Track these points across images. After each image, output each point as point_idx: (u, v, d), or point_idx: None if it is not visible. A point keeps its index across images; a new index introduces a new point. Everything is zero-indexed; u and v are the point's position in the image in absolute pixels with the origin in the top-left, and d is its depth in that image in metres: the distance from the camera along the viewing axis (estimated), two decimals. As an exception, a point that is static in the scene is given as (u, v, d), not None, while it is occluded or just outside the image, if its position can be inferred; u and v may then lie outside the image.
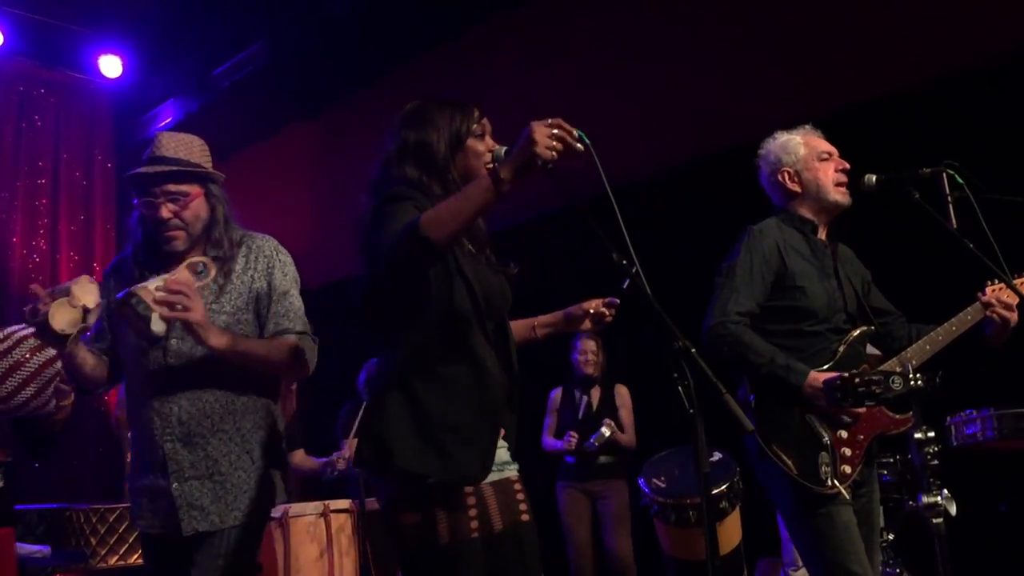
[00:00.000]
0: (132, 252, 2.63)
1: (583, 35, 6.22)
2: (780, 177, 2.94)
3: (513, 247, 2.47)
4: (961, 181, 2.91)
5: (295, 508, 4.31)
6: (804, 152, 2.92)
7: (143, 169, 2.51)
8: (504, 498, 2.24)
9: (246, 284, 2.56)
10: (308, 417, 5.42)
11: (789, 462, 2.67)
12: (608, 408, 5.37)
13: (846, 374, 2.61)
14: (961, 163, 2.95)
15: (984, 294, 2.84)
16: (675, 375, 1.88)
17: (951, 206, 2.94)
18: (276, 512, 4.19)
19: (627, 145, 5.55)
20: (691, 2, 5.75)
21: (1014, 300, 2.80)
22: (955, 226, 2.89)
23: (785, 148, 2.95)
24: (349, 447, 4.90)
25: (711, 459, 4.35)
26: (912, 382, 2.52)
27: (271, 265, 2.60)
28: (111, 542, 5.60)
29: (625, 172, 5.17)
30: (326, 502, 4.43)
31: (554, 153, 1.91)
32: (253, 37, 6.70)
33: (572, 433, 5.25)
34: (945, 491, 2.72)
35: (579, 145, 1.96)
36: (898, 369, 2.73)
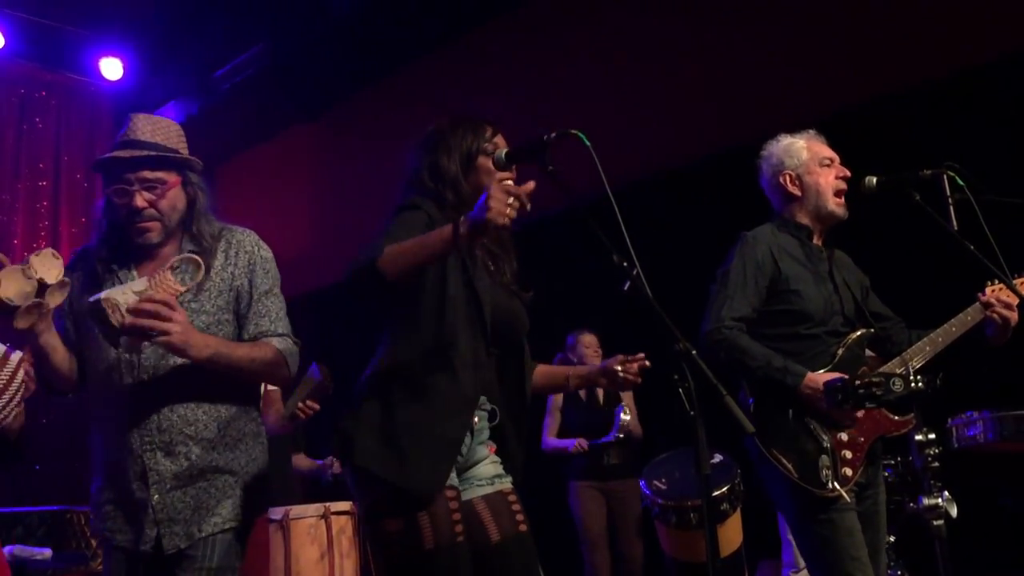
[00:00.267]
0: (97, 244, 2.41)
1: (583, 37, 6.23)
2: (781, 180, 2.94)
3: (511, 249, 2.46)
4: (962, 183, 2.91)
5: (296, 510, 4.31)
6: (807, 156, 2.92)
7: (116, 153, 2.30)
8: (498, 510, 2.26)
9: (226, 281, 2.38)
10: (309, 420, 5.40)
11: (789, 465, 2.67)
12: (615, 402, 5.36)
13: (846, 376, 2.61)
14: (961, 165, 2.95)
15: (984, 294, 2.84)
16: (676, 377, 1.88)
17: (952, 208, 2.94)
18: (277, 514, 4.20)
19: (627, 147, 5.55)
20: (690, 5, 5.76)
21: (1014, 300, 2.80)
22: (956, 228, 2.89)
23: (788, 151, 2.95)
24: None
25: (712, 461, 4.34)
26: (913, 384, 2.52)
27: (252, 261, 2.41)
28: (112, 544, 5.58)
29: (625, 174, 5.17)
30: (327, 504, 4.42)
31: (507, 220, 1.93)
32: (254, 39, 6.70)
33: (580, 441, 5.25)
34: (946, 493, 2.72)
35: (528, 206, 1.97)
36: (899, 370, 2.73)
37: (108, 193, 2.34)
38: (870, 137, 4.67)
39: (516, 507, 2.28)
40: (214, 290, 2.35)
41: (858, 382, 2.56)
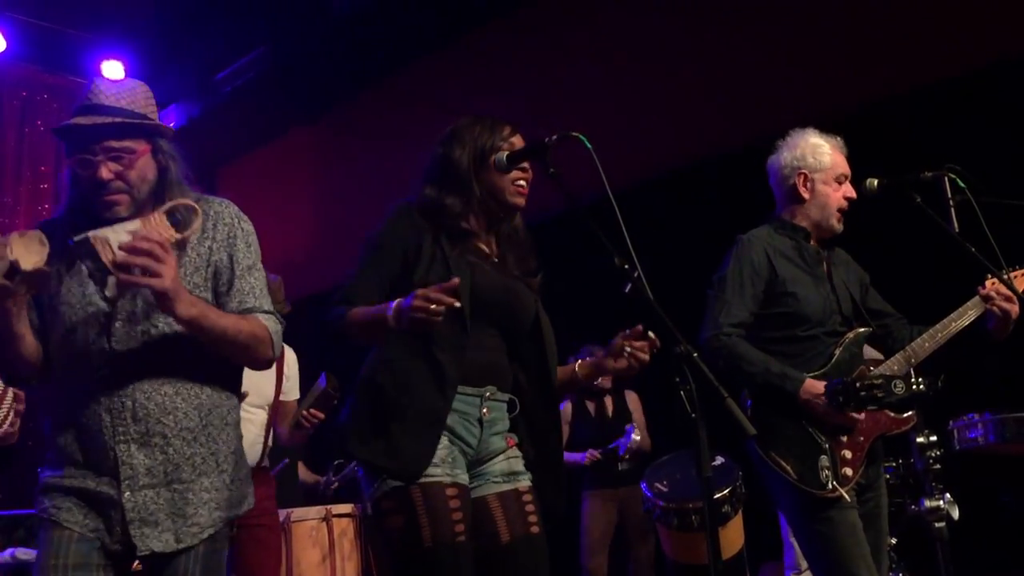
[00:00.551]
0: (63, 218, 2.19)
1: (584, 38, 6.23)
2: (796, 177, 2.91)
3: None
4: (963, 185, 2.91)
5: (297, 513, 4.31)
6: (828, 163, 2.90)
7: (76, 120, 2.11)
8: (512, 509, 2.25)
9: (204, 256, 2.17)
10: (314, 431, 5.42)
11: (788, 467, 2.67)
12: (624, 415, 5.38)
13: (847, 379, 2.61)
14: (962, 166, 2.95)
15: (983, 288, 2.82)
16: (677, 379, 1.89)
17: (953, 209, 2.94)
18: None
19: (628, 148, 5.55)
20: (691, 8, 5.76)
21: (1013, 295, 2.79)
22: (957, 229, 2.89)
23: (815, 151, 2.91)
24: None
25: (713, 463, 4.34)
26: (914, 386, 2.52)
27: (233, 234, 2.22)
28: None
29: (626, 175, 5.17)
30: (328, 507, 4.42)
31: (423, 323, 2.01)
32: (255, 42, 6.71)
33: (592, 452, 5.25)
34: (947, 495, 2.72)
35: (439, 318, 2.01)
36: (896, 368, 2.73)
37: (71, 164, 2.13)
38: (872, 139, 4.67)
39: (530, 507, 2.27)
40: (190, 265, 2.14)
41: (859, 384, 2.56)
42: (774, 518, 4.30)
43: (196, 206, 2.10)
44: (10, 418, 2.70)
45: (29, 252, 1.94)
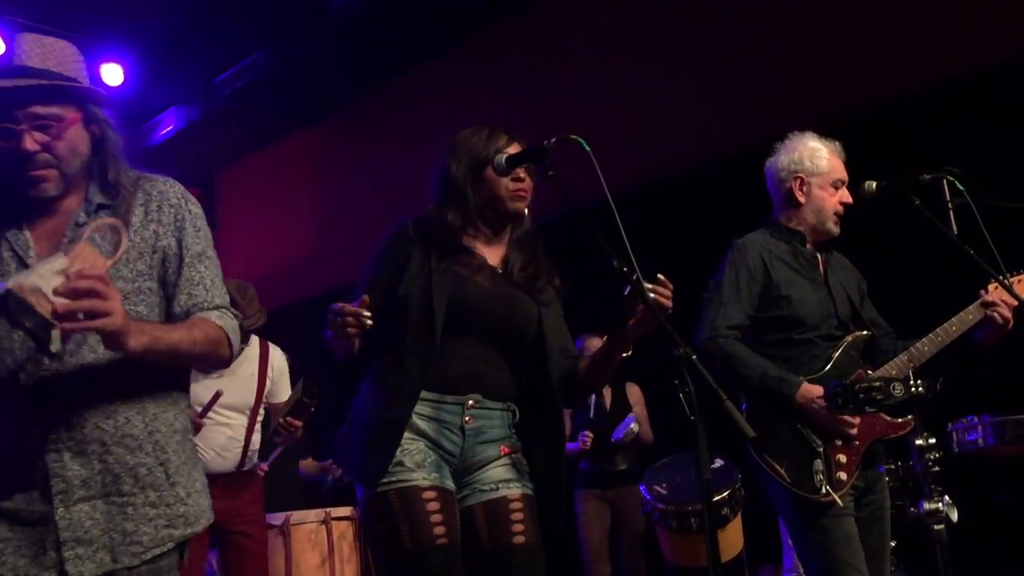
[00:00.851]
0: None
1: (584, 42, 6.24)
2: (792, 181, 2.91)
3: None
4: (961, 187, 2.91)
5: (296, 516, 4.31)
6: (825, 168, 2.89)
7: None
8: (495, 518, 2.24)
9: (148, 242, 1.93)
10: (316, 427, 5.42)
11: (782, 471, 2.66)
12: (622, 406, 5.30)
13: (847, 381, 2.61)
14: (962, 169, 2.95)
15: (986, 292, 2.81)
16: (676, 382, 1.89)
17: (951, 212, 2.94)
18: (277, 520, 4.19)
19: (628, 151, 5.56)
20: (691, 11, 5.77)
21: (1014, 302, 2.79)
22: (955, 232, 2.89)
23: (812, 155, 2.91)
24: None
25: (712, 465, 4.34)
26: (913, 388, 2.52)
27: (180, 217, 1.97)
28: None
29: (626, 178, 5.18)
30: (327, 509, 4.42)
31: (346, 338, 2.08)
32: (255, 45, 6.72)
33: (587, 433, 5.15)
34: (946, 498, 2.72)
35: (350, 331, 2.05)
36: (896, 372, 2.73)
37: None
38: (871, 141, 4.67)
39: (517, 516, 2.24)
40: (133, 252, 1.90)
41: (858, 386, 2.56)
42: (773, 521, 4.29)
43: (118, 223, 1.83)
44: None
45: None
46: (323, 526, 4.32)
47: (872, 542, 2.69)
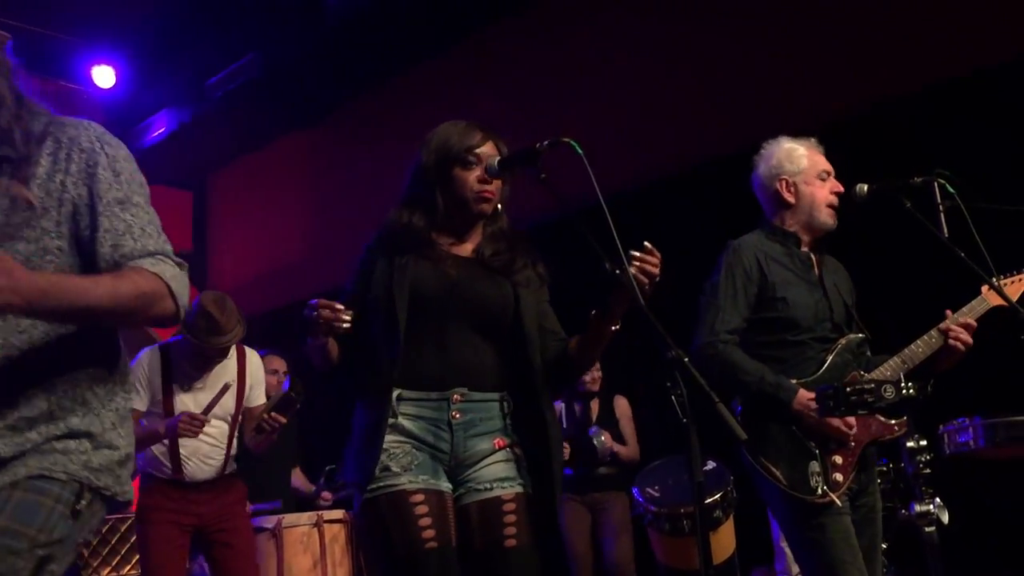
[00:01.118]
0: None
1: (580, 44, 6.25)
2: (777, 185, 2.92)
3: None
4: (952, 190, 2.92)
5: (288, 519, 4.30)
6: (806, 165, 2.91)
7: None
8: (488, 518, 2.21)
9: (54, 195, 1.67)
10: (307, 432, 5.41)
11: (778, 473, 2.66)
12: (606, 419, 5.29)
13: (838, 383, 2.61)
14: (955, 171, 2.96)
15: (945, 322, 2.79)
16: (668, 384, 1.88)
17: (942, 215, 2.95)
18: (269, 523, 4.19)
19: (622, 153, 5.56)
20: (688, 13, 5.78)
21: (974, 326, 2.79)
22: (946, 234, 2.90)
23: (789, 156, 2.93)
24: None
25: (705, 468, 4.35)
26: (905, 390, 2.53)
27: (93, 162, 1.71)
28: (103, 553, 5.58)
29: (619, 181, 5.18)
30: (319, 512, 4.42)
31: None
32: (247, 47, 6.71)
33: (564, 444, 5.16)
34: (937, 499, 2.73)
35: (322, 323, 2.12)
36: (889, 374, 2.73)
37: None
38: (866, 143, 4.69)
39: (510, 517, 2.21)
40: (36, 207, 1.67)
41: (850, 388, 2.56)
42: (765, 523, 4.31)
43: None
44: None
45: None
46: (315, 529, 4.31)
47: (864, 544, 2.70)
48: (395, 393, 2.21)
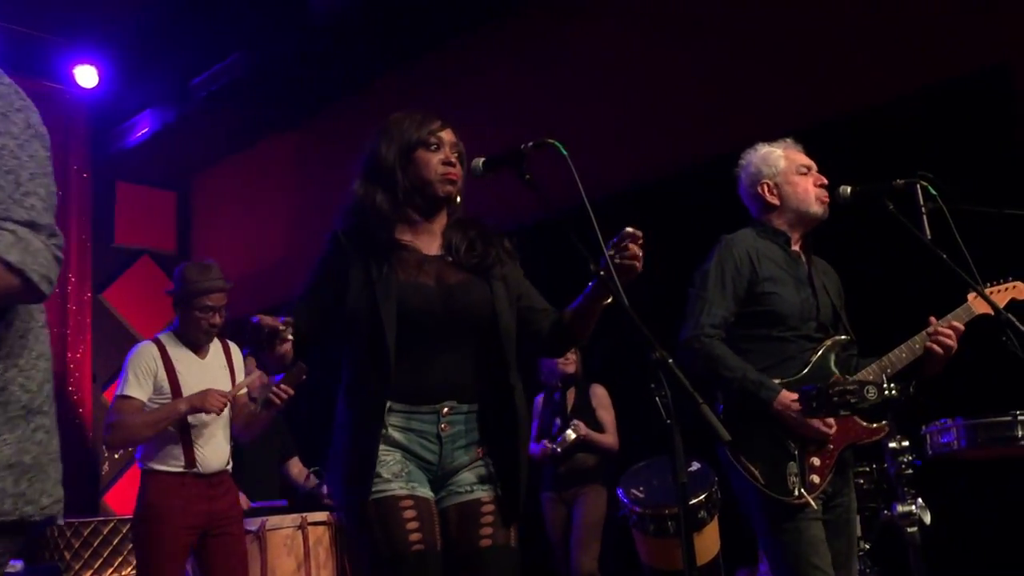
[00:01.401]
0: None
1: (564, 48, 6.26)
2: (759, 189, 2.96)
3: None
4: (934, 192, 2.94)
5: (272, 521, 4.28)
6: (784, 165, 2.94)
7: None
8: (466, 521, 2.23)
9: None
10: (298, 427, 5.40)
11: (756, 472, 2.68)
12: (582, 409, 5.22)
13: (821, 384, 2.62)
14: (935, 175, 2.98)
15: (930, 327, 2.82)
16: (652, 385, 1.89)
17: (925, 217, 2.97)
18: (253, 525, 4.17)
19: (606, 156, 5.57)
20: (670, 19, 5.80)
21: (962, 329, 2.80)
22: (929, 237, 2.92)
23: (766, 160, 2.97)
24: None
25: (689, 469, 4.36)
26: (887, 392, 2.54)
27: None
28: (85, 556, 5.54)
29: (604, 183, 5.19)
30: (303, 514, 4.40)
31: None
32: (232, 47, 6.68)
33: (546, 442, 5.10)
34: (920, 500, 2.74)
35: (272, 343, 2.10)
36: (872, 377, 2.74)
37: None
38: (849, 147, 4.72)
39: (488, 519, 2.23)
40: None
41: (832, 389, 2.57)
42: (750, 524, 4.31)
43: None
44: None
45: None
46: (299, 531, 4.30)
47: (840, 546, 2.72)
48: (386, 406, 2.21)
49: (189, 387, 3.72)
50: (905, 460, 2.77)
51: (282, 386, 3.56)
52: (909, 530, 2.69)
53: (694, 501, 4.21)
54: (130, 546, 5.60)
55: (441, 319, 2.24)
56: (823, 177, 2.95)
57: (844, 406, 2.54)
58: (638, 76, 5.86)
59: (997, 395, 3.54)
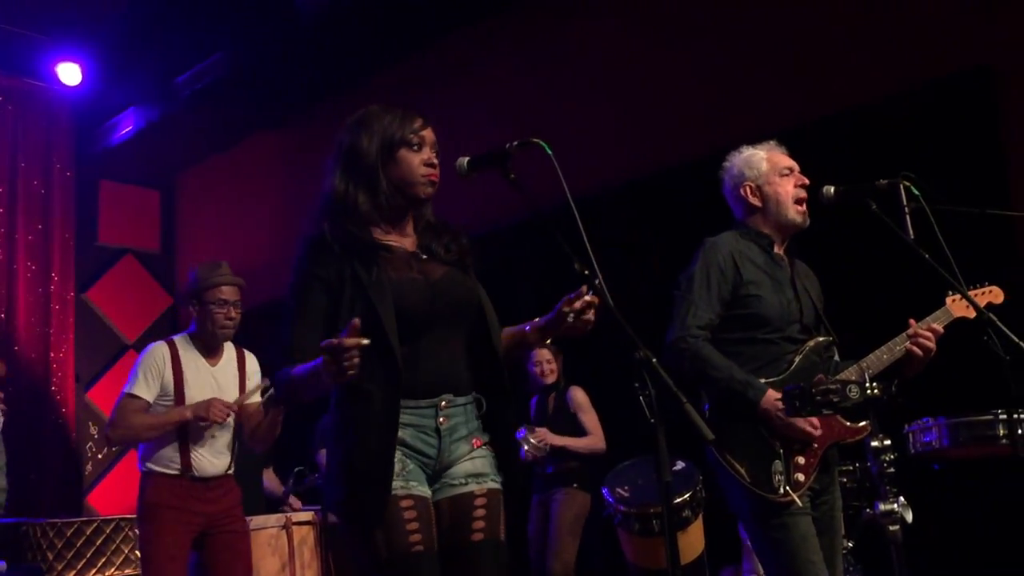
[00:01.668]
0: None
1: (550, 48, 6.26)
2: (742, 191, 2.98)
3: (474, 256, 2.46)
4: (917, 192, 2.96)
5: (257, 520, 4.27)
6: (766, 167, 2.96)
7: None
8: (459, 514, 2.22)
9: None
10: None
11: (742, 470, 2.70)
12: (563, 413, 5.21)
13: (804, 383, 2.64)
14: (918, 175, 3.00)
15: (910, 329, 2.84)
16: (636, 385, 1.89)
17: (908, 217, 2.99)
18: (238, 524, 4.16)
19: (591, 157, 5.58)
20: (652, 22, 5.81)
21: (941, 332, 2.83)
22: (912, 236, 2.94)
23: (748, 163, 2.99)
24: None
25: (674, 468, 4.37)
26: (869, 391, 2.56)
27: None
28: (68, 557, 5.51)
29: (589, 183, 5.20)
30: (288, 514, 4.40)
31: (345, 375, 1.94)
32: (217, 45, 6.65)
33: (525, 448, 5.07)
34: (901, 498, 2.76)
35: (353, 370, 1.94)
36: (854, 378, 2.76)
37: None
38: (831, 148, 4.74)
39: (480, 512, 2.22)
40: None
41: (815, 388, 2.59)
42: (734, 522, 4.32)
43: None
44: None
45: None
46: (283, 531, 4.29)
47: (825, 544, 2.74)
48: (400, 405, 2.18)
49: (193, 392, 3.71)
50: (887, 459, 2.78)
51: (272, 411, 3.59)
52: (891, 528, 2.71)
53: (678, 500, 4.22)
54: (113, 547, 5.58)
55: (433, 313, 2.23)
56: (804, 178, 2.97)
57: (827, 405, 2.56)
58: (628, 74, 5.87)
59: (978, 394, 3.56)
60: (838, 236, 4.21)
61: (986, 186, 4.39)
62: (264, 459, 5.27)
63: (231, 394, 3.80)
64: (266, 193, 8.17)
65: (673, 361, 2.76)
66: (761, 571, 4.08)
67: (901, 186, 3.00)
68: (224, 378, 3.84)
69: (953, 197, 3.02)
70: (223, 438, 3.78)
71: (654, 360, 1.89)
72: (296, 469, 5.16)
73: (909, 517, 2.74)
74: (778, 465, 2.68)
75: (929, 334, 2.79)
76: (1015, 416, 3.16)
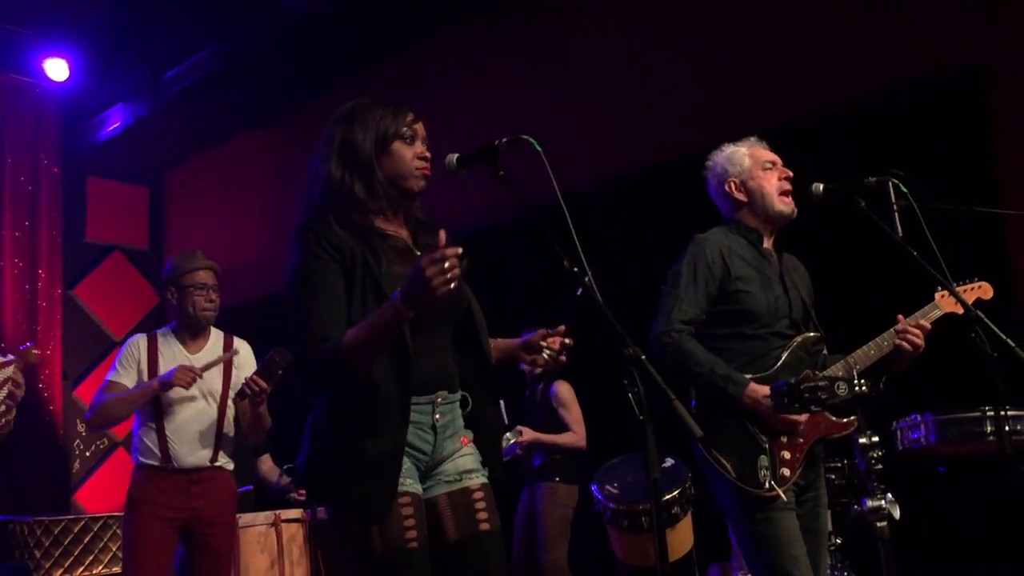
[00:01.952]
0: None
1: (540, 45, 6.26)
2: (727, 188, 3.00)
3: (466, 255, 2.45)
4: (905, 190, 2.98)
5: (245, 518, 4.26)
6: (749, 163, 2.98)
7: None
8: (459, 508, 2.23)
9: None
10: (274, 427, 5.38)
11: (728, 466, 2.71)
12: (543, 409, 5.20)
13: (792, 380, 2.65)
14: (907, 173, 3.01)
15: (898, 323, 2.85)
16: (625, 382, 1.90)
17: (896, 214, 3.00)
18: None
19: (581, 154, 5.58)
20: (642, 19, 5.82)
21: (928, 328, 2.84)
22: (900, 234, 2.95)
23: (730, 159, 3.01)
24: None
25: (663, 465, 4.38)
26: (857, 387, 2.57)
27: None
28: (56, 555, 5.48)
29: (579, 180, 5.20)
30: (277, 512, 4.39)
31: (450, 286, 1.93)
32: (206, 41, 6.62)
33: (515, 445, 5.08)
34: (889, 495, 2.77)
35: (456, 276, 1.94)
36: (841, 374, 2.77)
37: None
38: (820, 145, 4.75)
39: (480, 504, 2.24)
40: None
41: (803, 385, 2.59)
42: (723, 519, 4.34)
43: None
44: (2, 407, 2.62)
45: None
46: (272, 528, 4.28)
47: (810, 540, 2.75)
48: (410, 400, 2.18)
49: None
50: (875, 455, 2.79)
51: (255, 377, 3.56)
52: (879, 525, 2.71)
53: (667, 497, 4.23)
54: (101, 544, 5.56)
55: (433, 310, 2.19)
56: (788, 171, 2.99)
57: (815, 402, 2.57)
58: (622, 70, 5.86)
59: (966, 391, 3.58)
60: (827, 233, 4.23)
61: (976, 184, 4.41)
62: (260, 444, 5.25)
63: (214, 381, 3.79)
64: (255, 190, 8.14)
65: (656, 355, 2.77)
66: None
67: (890, 183, 3.01)
68: (204, 364, 3.82)
69: (943, 195, 3.03)
70: (203, 427, 3.76)
71: (643, 357, 1.90)
72: (286, 466, 5.15)
73: (897, 514, 2.74)
74: (764, 460, 2.70)
75: (917, 330, 2.80)
76: (1002, 413, 3.17)
